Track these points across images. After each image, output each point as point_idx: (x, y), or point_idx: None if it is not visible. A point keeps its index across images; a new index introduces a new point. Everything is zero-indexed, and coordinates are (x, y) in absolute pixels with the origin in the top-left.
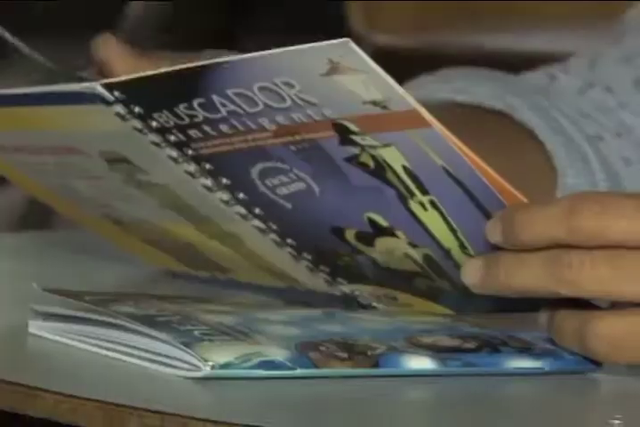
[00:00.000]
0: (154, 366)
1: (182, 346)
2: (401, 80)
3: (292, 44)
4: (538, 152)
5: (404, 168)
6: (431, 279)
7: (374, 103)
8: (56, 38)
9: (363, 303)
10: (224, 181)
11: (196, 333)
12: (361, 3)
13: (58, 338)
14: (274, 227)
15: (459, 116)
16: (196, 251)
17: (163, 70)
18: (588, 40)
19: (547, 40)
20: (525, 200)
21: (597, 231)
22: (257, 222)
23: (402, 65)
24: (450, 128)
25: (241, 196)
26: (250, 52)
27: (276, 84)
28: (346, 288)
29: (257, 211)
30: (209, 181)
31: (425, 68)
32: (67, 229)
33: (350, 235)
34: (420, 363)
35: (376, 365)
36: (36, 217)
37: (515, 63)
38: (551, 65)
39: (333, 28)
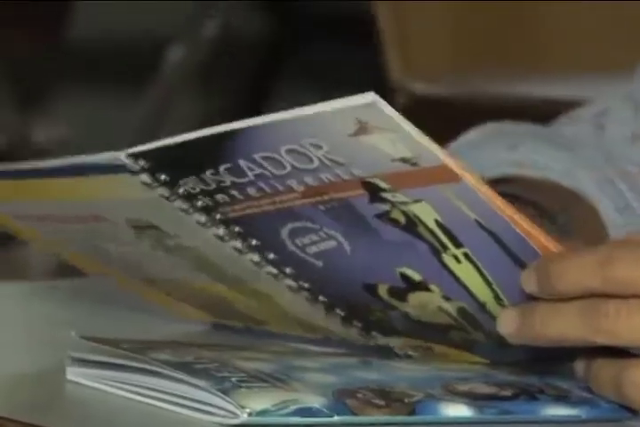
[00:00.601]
0: (191, 413)
1: (219, 393)
2: (438, 128)
3: (329, 96)
4: (602, 231)
5: (437, 222)
6: (466, 332)
7: (404, 160)
8: (97, 83)
9: (398, 353)
10: (254, 242)
11: (233, 380)
12: (398, 51)
13: (95, 385)
14: (305, 285)
15: (529, 191)
16: (230, 306)
17: (187, 137)
18: (621, 88)
19: (579, 88)
20: (560, 249)
21: (632, 280)
22: (288, 281)
23: (438, 112)
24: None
25: (271, 256)
26: (287, 99)
27: (304, 146)
28: (380, 341)
29: (288, 270)
30: (238, 243)
31: (460, 115)
32: (103, 276)
33: (383, 291)
34: (457, 410)
35: (413, 412)
36: (73, 265)
37: (546, 110)
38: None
39: (372, 76)
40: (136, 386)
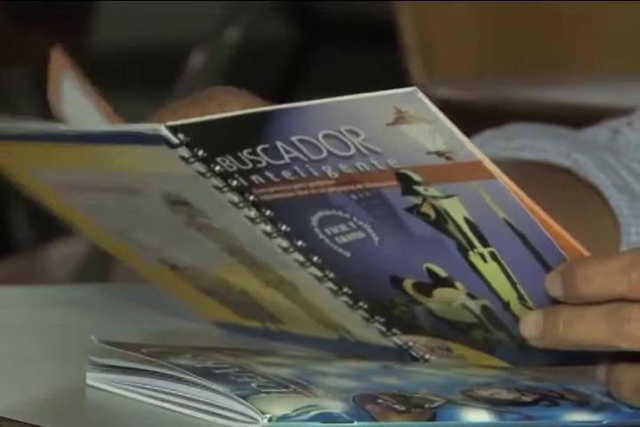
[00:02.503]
0: (211, 419)
1: (240, 398)
2: (462, 132)
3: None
4: (603, 209)
5: (466, 220)
6: (488, 331)
7: (439, 154)
8: (122, 88)
9: (415, 356)
10: (283, 227)
11: (253, 385)
12: (421, 56)
13: (115, 389)
14: (331, 275)
15: (526, 173)
16: (250, 299)
17: (228, 114)
18: None
19: (603, 94)
20: (587, 254)
21: None
22: (314, 270)
23: (461, 117)
24: (518, 185)
25: (299, 243)
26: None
27: (341, 132)
28: (400, 339)
29: (315, 258)
30: (268, 227)
31: (483, 120)
32: (124, 281)
33: (408, 285)
34: (478, 416)
35: (433, 418)
36: (93, 270)
37: (570, 116)
38: (615, 118)
39: (394, 81)
40: (156, 391)
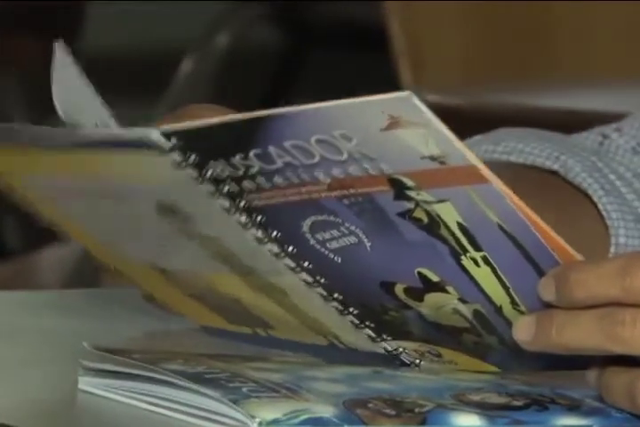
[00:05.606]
0: (203, 423)
1: (230, 403)
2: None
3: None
4: (592, 212)
5: (459, 224)
6: (479, 336)
7: (432, 158)
8: (111, 94)
9: (405, 362)
10: (274, 233)
11: (244, 389)
12: (410, 62)
13: (107, 394)
14: (322, 281)
15: (514, 175)
16: (240, 306)
17: (221, 119)
18: (634, 98)
19: (590, 99)
20: (580, 258)
21: None
22: (305, 276)
23: (450, 122)
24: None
25: (290, 248)
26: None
27: (334, 137)
28: (389, 345)
29: (306, 264)
30: (259, 233)
31: (472, 125)
32: (115, 287)
33: (400, 289)
34: (469, 420)
35: (424, 422)
36: (85, 275)
37: (558, 121)
38: (605, 124)
39: (384, 87)
40: (148, 396)
